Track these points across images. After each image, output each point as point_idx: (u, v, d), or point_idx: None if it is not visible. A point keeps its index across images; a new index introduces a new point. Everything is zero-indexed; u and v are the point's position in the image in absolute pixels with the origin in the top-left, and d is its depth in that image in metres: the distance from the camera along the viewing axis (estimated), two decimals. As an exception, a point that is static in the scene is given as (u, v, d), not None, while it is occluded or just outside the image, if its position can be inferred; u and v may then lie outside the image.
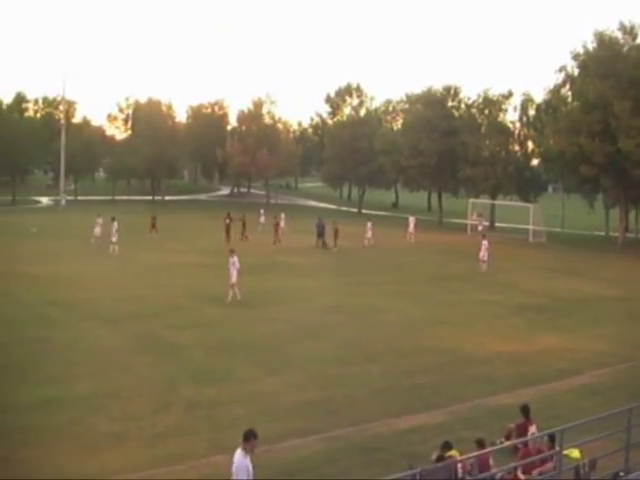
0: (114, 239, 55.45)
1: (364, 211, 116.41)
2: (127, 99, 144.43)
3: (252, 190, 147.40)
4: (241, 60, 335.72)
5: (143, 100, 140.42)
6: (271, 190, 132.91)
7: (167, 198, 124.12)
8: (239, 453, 12.73)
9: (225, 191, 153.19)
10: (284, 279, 45.80)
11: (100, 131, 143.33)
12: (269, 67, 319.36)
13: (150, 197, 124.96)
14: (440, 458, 15.47)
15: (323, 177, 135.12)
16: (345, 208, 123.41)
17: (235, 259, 37.91)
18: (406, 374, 25.46)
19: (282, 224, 71.89)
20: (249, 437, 12.77)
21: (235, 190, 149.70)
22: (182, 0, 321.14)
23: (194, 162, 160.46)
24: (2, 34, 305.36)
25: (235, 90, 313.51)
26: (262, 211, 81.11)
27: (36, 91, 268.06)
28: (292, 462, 17.49)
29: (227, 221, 66.00)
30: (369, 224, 67.71)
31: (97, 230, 59.92)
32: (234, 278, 37.59)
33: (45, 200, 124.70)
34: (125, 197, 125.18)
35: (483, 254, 52.31)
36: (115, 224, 56.10)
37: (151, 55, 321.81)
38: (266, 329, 31.60)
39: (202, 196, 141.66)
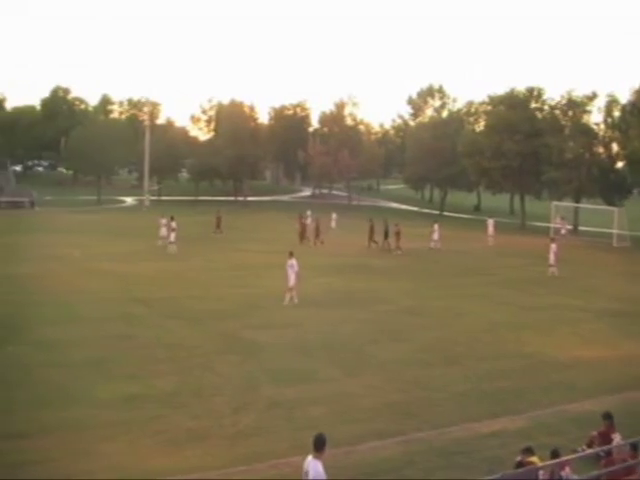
0: (172, 238, 56.01)
1: (446, 213, 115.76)
2: (210, 100, 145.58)
3: (334, 191, 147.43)
4: (323, 62, 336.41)
5: (226, 102, 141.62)
6: (353, 192, 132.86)
7: (249, 199, 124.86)
8: (312, 461, 12.53)
9: (307, 192, 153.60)
10: (362, 281, 45.74)
11: (183, 132, 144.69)
12: (351, 69, 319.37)
13: (232, 198, 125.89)
14: (520, 464, 15.30)
15: (405, 179, 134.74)
16: (427, 210, 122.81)
17: (293, 262, 37.22)
18: (487, 378, 25.24)
19: (333, 224, 72.20)
20: (323, 445, 12.56)
21: (317, 191, 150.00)
22: (264, 2, 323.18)
23: (276, 163, 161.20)
24: (88, 38, 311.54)
25: (317, 92, 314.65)
26: (334, 215, 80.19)
27: (121, 93, 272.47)
28: (372, 464, 17.47)
29: (301, 222, 66.20)
30: (435, 226, 66.44)
31: (163, 230, 60.38)
32: (292, 281, 36.99)
33: (129, 200, 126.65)
34: (208, 198, 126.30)
35: (552, 258, 51.34)
36: (173, 224, 56.65)
37: (234, 57, 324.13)
38: (346, 330, 31.62)
39: (284, 197, 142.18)
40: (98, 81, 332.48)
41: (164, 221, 60.37)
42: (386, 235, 62.57)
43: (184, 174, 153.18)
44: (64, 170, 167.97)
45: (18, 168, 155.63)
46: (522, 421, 20.90)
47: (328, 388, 23.33)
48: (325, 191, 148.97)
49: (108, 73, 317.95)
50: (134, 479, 16.14)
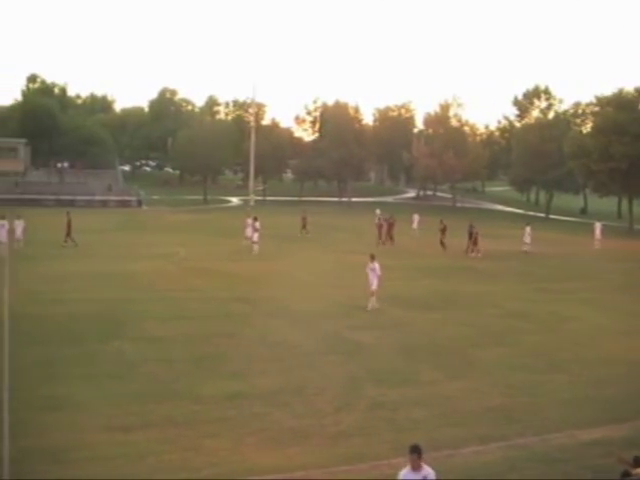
0: (255, 238, 56.22)
1: (551, 216, 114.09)
2: (315, 102, 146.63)
3: (438, 193, 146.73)
4: (429, 63, 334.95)
5: (331, 103, 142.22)
6: (457, 193, 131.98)
7: (353, 200, 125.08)
8: (409, 472, 12.45)
9: (411, 194, 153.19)
10: (464, 283, 45.37)
11: (288, 133, 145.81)
12: (457, 69, 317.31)
13: (336, 199, 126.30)
14: (626, 474, 14.92)
15: (510, 181, 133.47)
16: (532, 213, 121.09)
17: (375, 265, 35.69)
18: (593, 384, 24.72)
19: (415, 226, 72.02)
20: (419, 453, 12.44)
21: (421, 193, 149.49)
22: (369, 4, 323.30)
23: (380, 164, 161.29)
24: (195, 40, 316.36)
25: (422, 93, 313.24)
26: (416, 216, 79.12)
27: (227, 94, 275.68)
28: (473, 468, 17.30)
29: (378, 222, 65.96)
30: (527, 228, 64.60)
31: (249, 230, 60.11)
32: (374, 285, 35.51)
33: (235, 200, 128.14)
34: (312, 198, 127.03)
35: None
36: (257, 224, 56.81)
37: (339, 58, 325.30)
38: (450, 332, 31.39)
39: (388, 198, 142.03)
40: (204, 82, 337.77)
41: (250, 221, 60.66)
42: (470, 237, 61.69)
43: (289, 175, 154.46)
44: (171, 170, 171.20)
45: (126, 168, 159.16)
46: (628, 430, 20.35)
47: (431, 390, 23.18)
48: (429, 193, 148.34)
49: (214, 74, 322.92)
50: (238, 477, 16.33)
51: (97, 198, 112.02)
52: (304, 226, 70.04)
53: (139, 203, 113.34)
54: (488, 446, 18.68)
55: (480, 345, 29.44)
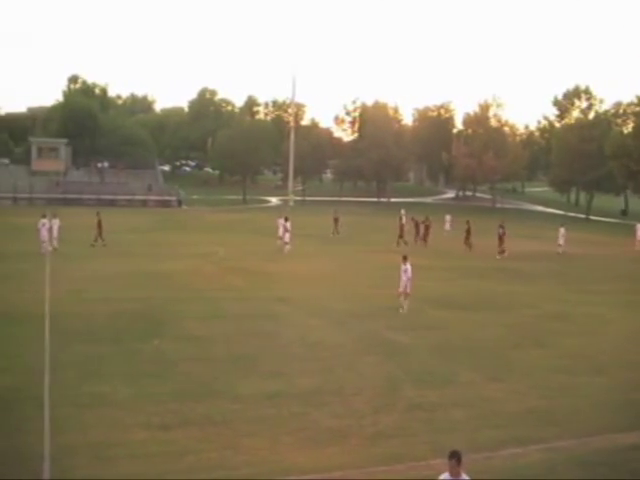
0: (287, 239, 56.13)
1: (592, 217, 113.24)
2: (354, 102, 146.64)
3: (477, 194, 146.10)
4: (468, 63, 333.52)
5: (370, 103, 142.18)
6: (497, 194, 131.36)
7: (393, 200, 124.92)
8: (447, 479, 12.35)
9: (450, 194, 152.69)
10: (503, 283, 45.17)
11: (328, 133, 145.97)
12: (496, 70, 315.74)
13: (376, 199, 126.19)
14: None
15: (550, 181, 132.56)
16: (572, 214, 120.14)
17: (408, 267, 34.93)
18: (634, 388, 24.46)
19: (447, 227, 73.10)
20: (459, 459, 12.25)
21: (460, 193, 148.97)
22: (406, 4, 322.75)
23: (420, 165, 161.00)
24: (235, 41, 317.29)
25: (461, 93, 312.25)
26: (448, 217, 79.06)
27: (266, 94, 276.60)
28: (511, 470, 17.21)
29: (414, 222, 65.72)
30: (562, 230, 64.07)
31: (281, 230, 59.74)
32: (407, 287, 34.93)
33: (274, 200, 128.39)
34: (351, 198, 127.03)
35: None
36: (288, 224, 56.68)
37: (379, 58, 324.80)
38: (487, 333, 31.28)
39: (427, 199, 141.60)
40: (244, 83, 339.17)
41: (281, 221, 60.47)
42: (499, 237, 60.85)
43: (328, 175, 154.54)
44: (210, 170, 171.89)
45: (166, 168, 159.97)
46: (668, 434, 20.20)
47: (469, 391, 23.11)
48: (469, 193, 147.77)
49: (254, 75, 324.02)
50: (275, 476, 16.40)
51: (137, 198, 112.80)
52: (336, 226, 69.86)
53: (179, 203, 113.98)
54: (527, 448, 18.58)
55: (518, 346, 29.31)
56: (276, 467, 16.82)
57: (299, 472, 16.57)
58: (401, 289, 34.99)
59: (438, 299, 38.17)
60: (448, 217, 78.53)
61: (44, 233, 51.33)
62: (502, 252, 58.77)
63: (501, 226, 60.42)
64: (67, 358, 23.81)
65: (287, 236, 56.45)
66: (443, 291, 40.08)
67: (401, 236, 64.72)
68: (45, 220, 52.86)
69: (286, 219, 57.45)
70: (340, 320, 32.61)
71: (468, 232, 63.02)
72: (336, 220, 70.51)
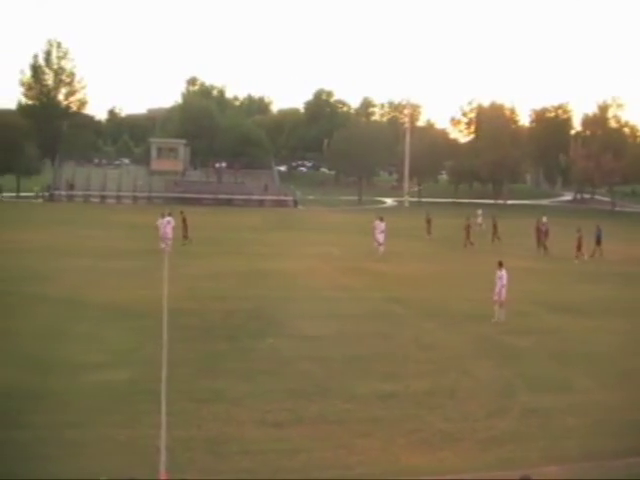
0: (381, 240, 55.18)
1: None
2: (470, 103, 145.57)
3: (596, 196, 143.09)
4: (587, 63, 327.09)
5: (486, 104, 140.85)
6: (616, 197, 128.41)
7: (509, 202, 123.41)
8: None
9: (567, 197, 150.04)
10: (618, 289, 43.49)
11: (443, 134, 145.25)
12: (616, 70, 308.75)
13: (492, 201, 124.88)
14: None
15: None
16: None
17: (503, 273, 32.91)
18: None
19: (480, 220, 71.48)
20: None
21: (578, 196, 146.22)
22: (525, 4, 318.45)
23: (536, 166, 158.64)
24: (351, 42, 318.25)
25: (580, 93, 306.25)
26: (480, 211, 78.08)
27: (382, 95, 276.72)
28: (627, 480, 16.86)
29: (537, 227, 63.97)
30: None
31: (377, 232, 58.94)
32: (502, 295, 32.82)
33: (389, 201, 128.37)
34: (467, 200, 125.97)
35: None
36: (382, 225, 55.82)
37: (495, 58, 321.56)
38: (605, 340, 30.33)
39: (544, 201, 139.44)
40: (360, 84, 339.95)
41: (378, 222, 58.90)
42: (597, 241, 58.17)
43: (444, 176, 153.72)
44: (326, 170, 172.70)
45: (283, 168, 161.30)
46: None
47: (585, 398, 22.59)
48: (587, 196, 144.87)
49: (370, 76, 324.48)
50: (389, 477, 16.39)
51: (254, 198, 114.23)
52: (428, 228, 68.71)
53: (295, 203, 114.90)
54: (643, 459, 18.10)
55: (638, 354, 28.49)
56: (389, 468, 16.82)
57: (412, 474, 16.54)
58: (496, 297, 33.02)
59: (553, 303, 37.47)
60: (480, 211, 78.80)
61: (169, 230, 52.17)
62: (582, 255, 56.13)
63: (599, 229, 58.44)
64: (184, 354, 24.25)
65: (382, 237, 55.57)
66: (558, 295, 39.33)
67: (539, 239, 61.52)
68: (170, 218, 53.92)
69: (381, 219, 56.66)
70: (454, 322, 32.36)
71: (545, 234, 60.84)
72: (429, 222, 69.49)
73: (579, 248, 55.97)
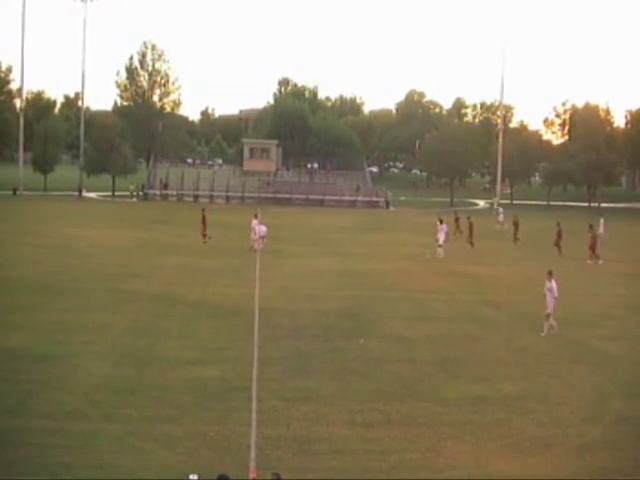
0: (441, 241, 54.49)
1: None
2: (564, 104, 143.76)
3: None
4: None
5: (580, 105, 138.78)
6: None
7: (603, 205, 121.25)
8: None
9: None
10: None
11: (537, 136, 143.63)
12: None
13: (586, 204, 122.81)
14: None
15: None
16: None
17: (553, 284, 30.22)
18: None
19: (501, 218, 72.48)
20: None
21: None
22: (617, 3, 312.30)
23: (632, 169, 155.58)
24: (443, 43, 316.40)
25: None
26: (501, 209, 76.91)
27: (474, 96, 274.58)
28: None
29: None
30: None
31: (442, 234, 56.30)
32: (550, 308, 30.17)
33: (481, 203, 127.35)
34: (560, 203, 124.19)
35: None
36: (444, 226, 55.04)
37: (588, 59, 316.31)
38: None
39: (639, 205, 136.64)
40: (452, 85, 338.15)
41: (439, 224, 56.89)
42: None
43: (537, 178, 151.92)
44: (418, 172, 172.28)
45: (374, 169, 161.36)
46: None
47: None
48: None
49: (462, 77, 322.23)
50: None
51: (345, 198, 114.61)
52: (457, 227, 66.78)
53: (386, 204, 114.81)
54: None
55: None
56: (479, 472, 16.72)
57: (502, 479, 16.36)
58: (549, 309, 30.26)
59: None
60: (501, 209, 79.14)
61: (263, 229, 52.23)
62: (596, 257, 53.84)
63: (589, 230, 55.61)
64: (274, 353, 24.49)
65: (442, 238, 54.87)
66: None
67: (592, 248, 55.62)
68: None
69: (441, 221, 55.85)
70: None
71: (559, 235, 58.04)
72: (457, 221, 67.70)
73: (593, 249, 54.31)
